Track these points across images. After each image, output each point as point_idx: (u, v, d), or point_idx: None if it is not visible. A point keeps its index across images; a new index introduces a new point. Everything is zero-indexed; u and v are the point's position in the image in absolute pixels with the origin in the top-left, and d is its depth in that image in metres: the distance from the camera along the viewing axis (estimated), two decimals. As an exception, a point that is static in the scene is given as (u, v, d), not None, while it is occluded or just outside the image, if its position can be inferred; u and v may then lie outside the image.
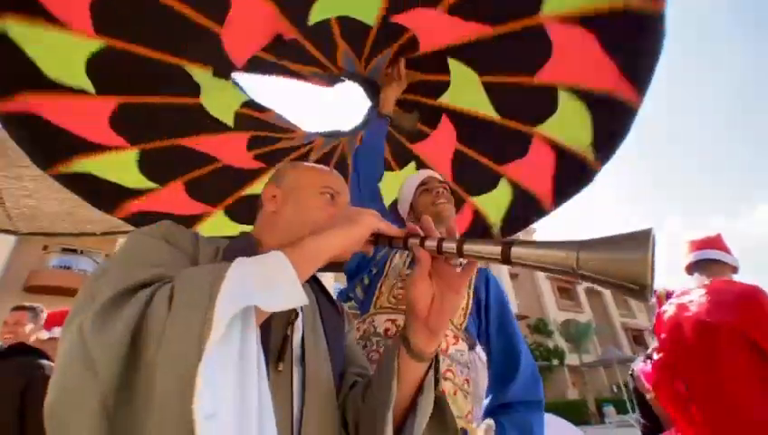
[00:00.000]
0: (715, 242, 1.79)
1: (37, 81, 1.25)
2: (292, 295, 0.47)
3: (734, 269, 1.74)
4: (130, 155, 1.57)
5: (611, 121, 1.45)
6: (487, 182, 1.86)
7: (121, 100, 1.40)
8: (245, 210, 1.96)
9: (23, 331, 2.12)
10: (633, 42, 1.26)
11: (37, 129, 1.34)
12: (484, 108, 1.60)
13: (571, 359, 21.52)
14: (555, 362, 20.16)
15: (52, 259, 14.34)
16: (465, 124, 1.70)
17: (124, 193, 1.67)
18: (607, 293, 27.71)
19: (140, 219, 1.78)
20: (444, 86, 1.59)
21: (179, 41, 1.34)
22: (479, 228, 2.04)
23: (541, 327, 21.47)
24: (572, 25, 1.29)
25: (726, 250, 1.77)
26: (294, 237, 0.64)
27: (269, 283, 0.47)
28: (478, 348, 1.21)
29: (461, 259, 0.54)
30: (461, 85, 1.56)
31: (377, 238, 0.61)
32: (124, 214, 1.74)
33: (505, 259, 0.47)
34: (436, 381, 0.61)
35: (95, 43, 1.24)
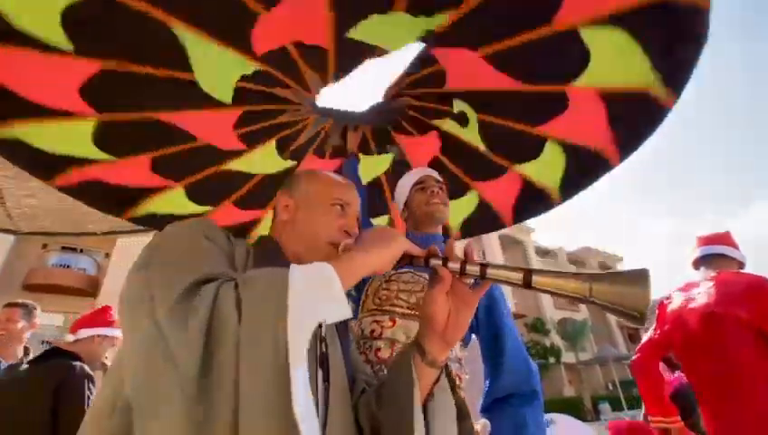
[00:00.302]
0: (723, 238, 1.80)
1: (67, 161, 1.33)
2: (342, 310, 0.52)
3: (741, 265, 1.74)
4: (87, 126, 1.37)
5: (681, 39, 1.20)
6: (529, 150, 1.67)
7: (103, 65, 1.20)
8: (205, 191, 1.83)
9: (15, 327, 2.16)
10: (636, 120, 1.39)
11: (102, 190, 1.45)
12: (497, 81, 1.44)
13: (568, 357, 21.60)
14: (552, 360, 20.24)
15: (51, 257, 14.31)
16: (475, 97, 1.57)
17: (67, 161, 1.47)
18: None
19: (86, 189, 1.58)
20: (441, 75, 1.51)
21: (167, 97, 1.37)
22: (532, 194, 1.86)
23: (538, 326, 21.54)
24: (592, 95, 1.36)
25: (734, 246, 1.78)
26: (309, 246, 0.73)
27: (324, 297, 0.51)
28: (474, 342, 1.21)
29: (475, 278, 0.59)
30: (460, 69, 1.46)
31: (401, 256, 0.65)
32: (65, 182, 1.53)
33: (526, 285, 0.54)
34: (453, 387, 0.65)
35: (91, 123, 1.26)
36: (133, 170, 1.63)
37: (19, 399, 1.54)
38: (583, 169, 1.68)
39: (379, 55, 1.38)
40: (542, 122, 1.54)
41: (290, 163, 1.86)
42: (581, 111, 1.44)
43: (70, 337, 1.89)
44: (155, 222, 1.87)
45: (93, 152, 1.47)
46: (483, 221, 2.11)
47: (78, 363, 1.70)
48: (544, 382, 18.15)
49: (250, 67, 1.35)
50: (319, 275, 0.53)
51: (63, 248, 14.65)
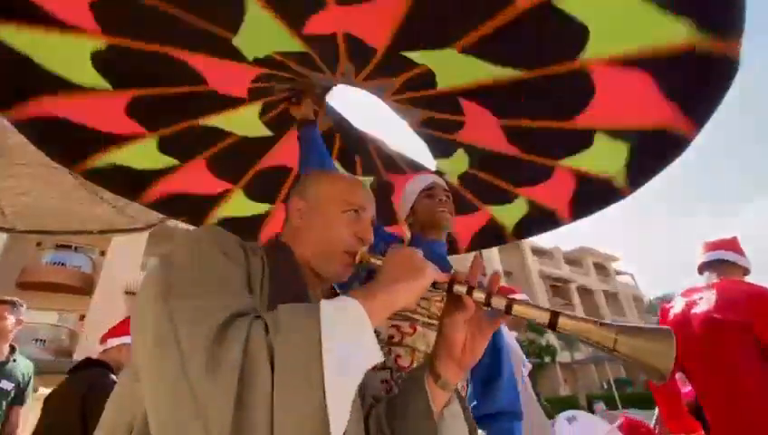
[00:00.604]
0: (730, 244, 1.79)
1: (49, 83, 1.25)
2: (374, 357, 0.49)
3: (746, 271, 1.73)
4: (150, 140, 1.58)
5: (655, 153, 1.33)
6: (576, 141, 1.46)
7: (136, 92, 1.41)
8: (260, 187, 1.95)
9: (3, 324, 2.17)
10: (697, 86, 1.10)
11: (57, 129, 1.36)
12: (490, 71, 1.30)
13: (563, 356, 21.74)
14: (547, 359, 20.37)
15: (45, 255, 14.22)
16: (490, 97, 1.43)
17: (148, 176, 1.70)
18: (599, 292, 27.97)
19: (168, 204, 1.82)
20: (429, 76, 1.41)
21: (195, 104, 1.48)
22: (591, 187, 1.64)
23: (533, 325, 21.62)
24: (623, 68, 1.13)
25: (740, 252, 1.77)
26: (322, 254, 0.71)
27: (356, 345, 0.48)
28: None
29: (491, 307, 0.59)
30: (444, 66, 1.36)
31: None
32: (151, 199, 1.77)
33: (551, 326, 0.54)
34: (464, 410, 0.64)
35: (98, 41, 1.22)
36: (104, 109, 1.43)
37: (58, 405, 1.76)
38: (650, 150, 1.38)
39: (417, 73, 1.38)
40: (576, 114, 1.34)
41: (267, 132, 1.77)
42: (616, 87, 1.24)
43: (99, 347, 2.03)
44: (112, 174, 1.66)
45: (163, 160, 1.65)
46: (539, 222, 1.91)
47: (105, 371, 1.87)
48: (540, 382, 18.27)
49: (294, 45, 1.31)
50: (347, 319, 0.50)
51: (58, 246, 14.57)
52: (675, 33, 1.02)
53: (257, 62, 1.39)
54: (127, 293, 13.79)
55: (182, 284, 0.50)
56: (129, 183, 1.71)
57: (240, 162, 1.84)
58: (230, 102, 1.57)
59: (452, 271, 0.63)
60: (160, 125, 1.57)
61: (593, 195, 1.63)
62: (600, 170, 1.50)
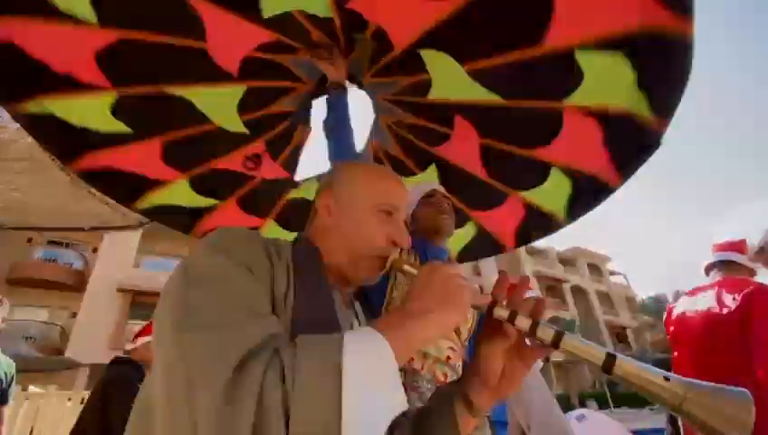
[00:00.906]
0: (737, 245, 1.79)
1: (92, 139, 1.34)
2: (399, 407, 0.44)
3: (752, 272, 1.74)
4: (107, 97, 1.37)
5: (664, 64, 1.21)
6: (535, 174, 1.68)
7: (121, 34, 1.24)
8: (210, 184, 1.82)
9: None
10: (633, 143, 1.39)
11: (9, 59, 1.17)
12: (482, 95, 1.47)
13: (556, 355, 21.88)
14: (540, 358, 20.51)
15: (36, 252, 14.06)
16: (480, 116, 1.59)
17: (87, 142, 1.45)
18: (592, 291, 28.21)
19: (105, 177, 1.59)
20: (425, 85, 1.51)
21: (178, 68, 1.38)
22: (536, 219, 1.88)
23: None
24: (586, 116, 1.39)
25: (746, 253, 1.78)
26: (351, 258, 0.65)
27: (381, 397, 0.43)
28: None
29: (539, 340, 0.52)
30: (444, 79, 1.47)
31: None
32: (81, 168, 1.52)
33: (606, 369, 0.47)
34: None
35: (112, 95, 1.28)
36: (145, 158, 1.60)
37: (89, 400, 2.01)
38: (586, 192, 1.68)
39: (419, 79, 1.49)
40: (543, 145, 1.56)
41: (241, 129, 1.64)
42: (576, 131, 1.46)
43: (129, 346, 2.17)
44: (159, 212, 1.81)
45: (111, 123, 1.43)
46: (482, 247, 2.11)
47: (126, 366, 2.04)
48: (532, 380, 18.38)
49: (325, 8, 1.32)
50: (379, 374, 0.44)
51: (49, 242, 14.40)
52: (638, 105, 1.29)
53: (269, 23, 1.31)
54: (119, 290, 13.67)
55: (198, 308, 0.46)
56: (72, 143, 1.46)
57: (196, 153, 1.70)
58: (216, 75, 1.44)
59: (491, 292, 0.56)
60: (125, 80, 1.37)
61: (536, 226, 1.87)
62: (547, 206, 1.77)
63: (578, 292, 27.66)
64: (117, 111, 1.40)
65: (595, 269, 30.74)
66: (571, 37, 1.21)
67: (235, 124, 1.60)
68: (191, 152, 1.66)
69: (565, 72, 1.29)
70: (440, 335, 0.53)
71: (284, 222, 2.07)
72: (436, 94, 1.53)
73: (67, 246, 14.83)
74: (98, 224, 2.53)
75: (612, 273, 32.45)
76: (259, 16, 1.28)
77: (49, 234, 13.48)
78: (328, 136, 1.38)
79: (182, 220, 1.90)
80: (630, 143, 1.42)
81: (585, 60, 1.25)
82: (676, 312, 1.80)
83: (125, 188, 1.68)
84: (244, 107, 1.58)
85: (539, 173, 1.65)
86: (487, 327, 0.56)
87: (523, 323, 0.52)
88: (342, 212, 0.68)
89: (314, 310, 0.55)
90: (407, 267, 0.63)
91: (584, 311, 27.09)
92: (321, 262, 0.64)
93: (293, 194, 2.01)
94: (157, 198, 1.73)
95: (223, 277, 0.50)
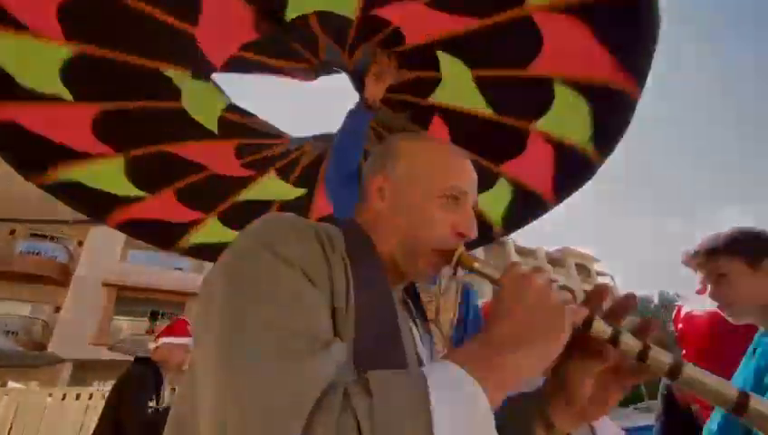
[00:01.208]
0: None
1: (11, 89, 1.24)
2: None
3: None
4: (117, 162, 1.55)
5: (611, 113, 1.43)
6: (485, 182, 1.75)
7: (102, 106, 1.39)
8: (239, 216, 1.96)
9: None
10: (627, 30, 1.24)
11: (18, 138, 1.33)
12: (477, 104, 1.58)
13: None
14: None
15: (19, 244, 13.74)
16: (459, 124, 1.68)
17: (114, 201, 1.66)
18: (580, 291, 28.58)
19: (133, 227, 1.81)
20: (435, 83, 1.57)
21: (153, 43, 1.31)
22: (568, 158, 1.77)
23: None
24: (562, 15, 1.24)
25: None
26: (409, 251, 0.56)
27: None
28: None
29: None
30: (453, 81, 1.53)
31: None
32: (116, 222, 1.75)
33: (737, 411, 0.40)
34: None
35: (66, 49, 1.23)
36: (166, 205, 1.76)
37: (108, 398, 2.07)
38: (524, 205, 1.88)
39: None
40: (532, 62, 1.44)
41: (212, 127, 1.64)
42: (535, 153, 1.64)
43: (151, 345, 2.23)
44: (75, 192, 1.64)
45: (130, 189, 1.65)
46: (524, 208, 1.91)
47: (140, 366, 2.08)
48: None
49: (350, 8, 1.36)
50: (471, 421, 0.35)
51: (33, 235, 14.09)
52: (586, 141, 1.46)
53: (228, 132, 1.51)
54: (105, 284, 13.45)
55: (252, 336, 0.37)
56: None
57: (146, 132, 1.61)
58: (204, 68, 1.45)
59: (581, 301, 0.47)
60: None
61: (571, 167, 1.69)
62: (570, 136, 1.58)
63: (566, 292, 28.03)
64: (66, 72, 1.34)
65: (583, 269, 31.18)
66: (552, 69, 1.39)
67: (210, 122, 1.60)
68: (135, 128, 1.53)
69: (542, 96, 1.45)
70: (538, 373, 0.40)
71: (228, 220, 1.99)
72: (442, 96, 1.60)
73: (52, 239, 14.53)
74: (82, 217, 2.47)
75: (600, 274, 32.95)
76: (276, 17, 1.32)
77: (33, 226, 13.17)
78: (337, 147, 1.40)
79: (102, 203, 1.67)
80: (574, 174, 1.67)
81: (559, 90, 1.42)
82: (684, 310, 1.83)
83: (29, 151, 1.49)
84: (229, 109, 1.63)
85: (543, 93, 1.52)
86: (579, 342, 0.45)
87: (630, 342, 0.42)
88: (399, 196, 0.58)
89: (377, 317, 0.47)
90: (478, 266, 0.52)
91: (572, 311, 27.41)
92: (376, 253, 0.55)
93: (245, 195, 1.94)
94: (76, 172, 1.54)
95: (277, 288, 0.41)
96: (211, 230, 1.97)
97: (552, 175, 1.69)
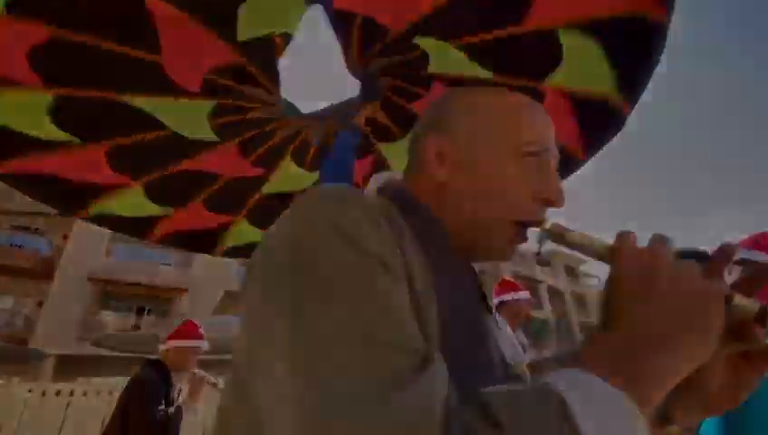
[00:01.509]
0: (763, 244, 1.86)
1: (23, 143, 1.37)
2: None
3: None
4: (138, 190, 1.73)
5: (633, 51, 1.22)
6: (544, 48, 1.50)
7: (111, 142, 1.53)
8: (265, 214, 2.04)
9: None
10: (602, 124, 1.32)
11: (56, 186, 1.54)
12: (473, 70, 1.44)
13: (531, 355, 22.45)
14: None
15: (1, 237, 13.44)
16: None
17: (149, 222, 1.87)
18: (567, 292, 29.00)
19: (173, 239, 2.00)
20: (426, 59, 1.48)
21: (129, 78, 1.38)
22: (592, 110, 1.61)
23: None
24: (563, 96, 1.27)
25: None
26: (481, 226, 0.45)
27: None
28: None
29: None
30: (438, 56, 1.46)
31: None
32: (156, 238, 1.94)
33: None
34: None
35: (49, 96, 1.32)
36: (196, 216, 1.88)
37: (119, 398, 2.07)
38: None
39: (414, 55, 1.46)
40: (526, 15, 1.32)
41: (212, 136, 1.69)
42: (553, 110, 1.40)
43: (161, 347, 2.22)
44: (107, 222, 1.89)
45: (164, 211, 1.82)
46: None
47: (150, 369, 2.08)
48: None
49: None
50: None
51: (15, 227, 13.78)
52: (609, 89, 1.30)
53: (242, 46, 1.37)
54: (90, 279, 13.22)
55: (339, 363, 0.28)
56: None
57: (152, 160, 1.72)
58: (175, 90, 1.50)
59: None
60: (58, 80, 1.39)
61: (597, 119, 1.49)
62: (587, 85, 1.40)
63: (554, 292, 28.38)
64: (56, 115, 1.41)
65: (571, 271, 31.59)
66: (554, 18, 1.22)
67: (205, 132, 1.65)
68: (142, 158, 1.70)
69: (548, 52, 1.30)
70: (686, 374, 0.31)
71: (257, 220, 2.07)
72: (435, 68, 1.52)
73: (36, 231, 14.23)
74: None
75: (587, 275, 33.43)
76: (233, 37, 1.33)
77: (15, 218, 12.87)
78: (327, 164, 1.49)
79: (137, 225, 1.94)
80: (600, 124, 1.49)
81: (568, 40, 1.25)
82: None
83: (66, 195, 1.73)
84: (216, 113, 1.64)
85: (549, 47, 1.44)
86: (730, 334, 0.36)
87: None
88: (464, 161, 0.47)
89: (460, 311, 0.40)
90: (574, 237, 0.41)
91: (560, 312, 27.83)
92: (438, 224, 0.45)
93: (267, 189, 1.98)
94: (106, 206, 1.78)
95: (350, 276, 0.31)
96: (242, 231, 2.08)
97: (576, 131, 1.54)
